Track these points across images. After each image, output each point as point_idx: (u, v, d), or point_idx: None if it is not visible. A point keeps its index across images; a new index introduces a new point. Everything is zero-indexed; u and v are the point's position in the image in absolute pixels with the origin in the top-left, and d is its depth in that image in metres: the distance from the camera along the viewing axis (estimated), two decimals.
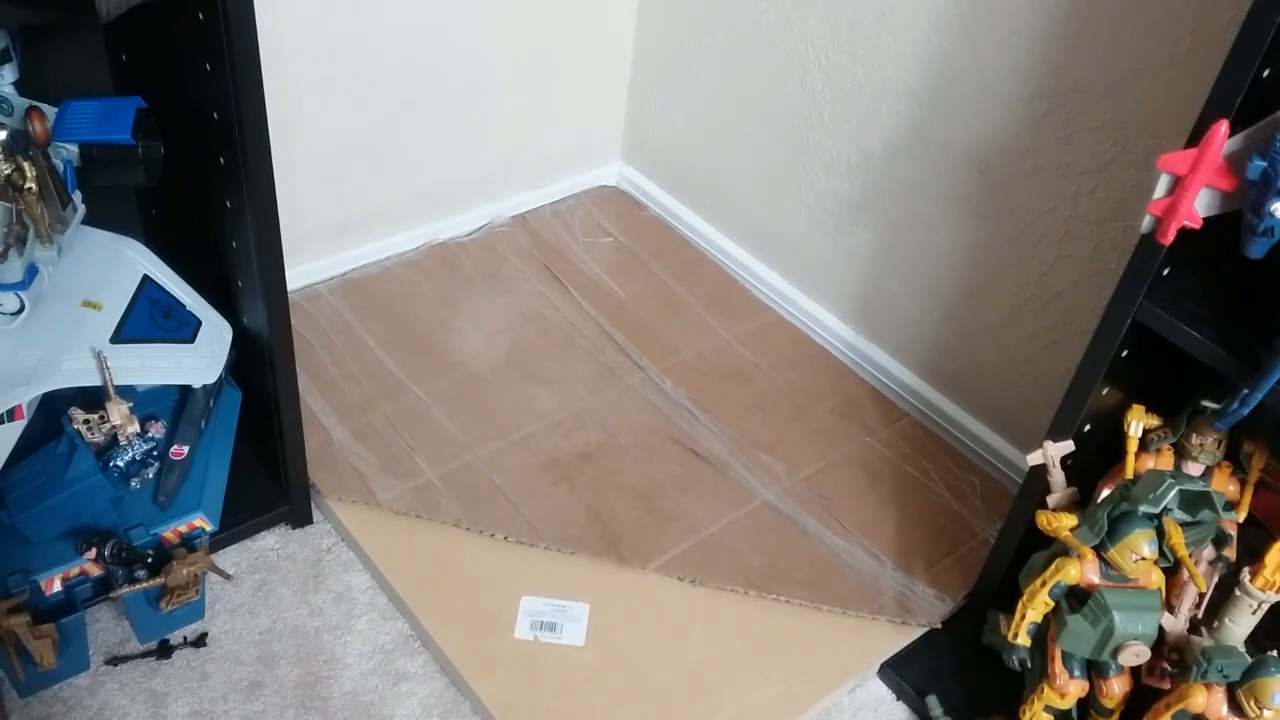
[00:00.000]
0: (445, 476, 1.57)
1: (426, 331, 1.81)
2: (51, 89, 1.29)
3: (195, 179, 1.30)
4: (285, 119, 1.64)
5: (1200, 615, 1.24)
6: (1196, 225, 1.03)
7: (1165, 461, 1.26)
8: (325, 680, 1.36)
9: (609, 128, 2.16)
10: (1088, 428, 1.25)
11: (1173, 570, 1.21)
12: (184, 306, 1.39)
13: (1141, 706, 1.22)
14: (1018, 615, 1.23)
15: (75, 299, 1.30)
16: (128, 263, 1.38)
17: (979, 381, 1.73)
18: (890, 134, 1.68)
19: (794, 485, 1.64)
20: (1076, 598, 1.20)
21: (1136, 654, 1.18)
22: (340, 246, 1.89)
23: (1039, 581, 1.21)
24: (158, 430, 1.40)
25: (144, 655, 1.36)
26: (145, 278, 1.38)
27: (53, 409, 1.32)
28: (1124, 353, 1.17)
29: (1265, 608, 1.17)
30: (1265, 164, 0.96)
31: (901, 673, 1.43)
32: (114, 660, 1.34)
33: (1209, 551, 1.24)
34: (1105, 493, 1.27)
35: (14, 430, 1.22)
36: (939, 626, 1.48)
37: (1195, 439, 1.25)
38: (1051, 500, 1.29)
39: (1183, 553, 1.14)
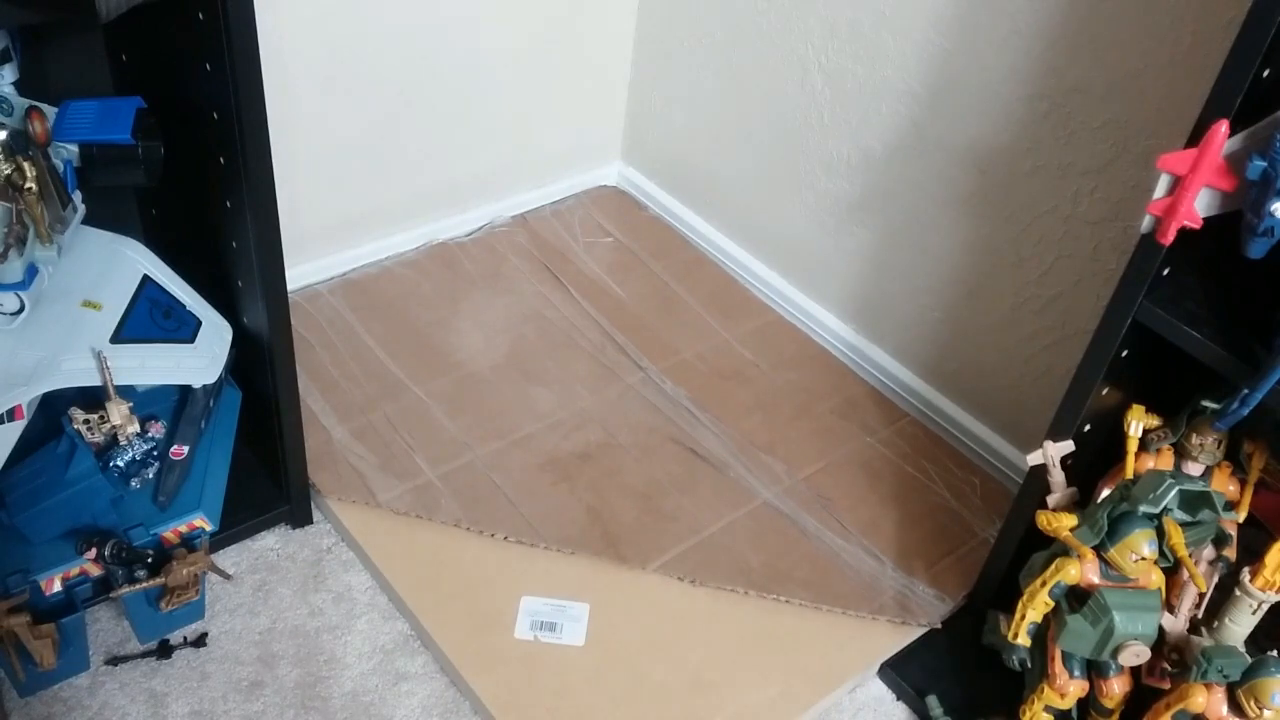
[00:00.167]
0: (445, 476, 1.57)
1: (426, 331, 1.81)
2: (51, 89, 1.29)
3: (195, 179, 1.30)
4: (285, 119, 1.65)
5: (1200, 615, 1.24)
6: (1196, 225, 1.03)
7: (1165, 461, 1.26)
8: (325, 680, 1.36)
9: (609, 128, 2.16)
10: (1088, 428, 1.25)
11: (1173, 570, 1.21)
12: (184, 306, 1.39)
13: (1141, 706, 1.22)
14: (1018, 615, 1.23)
15: (75, 299, 1.30)
16: (128, 263, 1.38)
17: (979, 381, 1.73)
18: (890, 134, 1.68)
19: (794, 485, 1.64)
20: (1076, 598, 1.20)
21: (1136, 654, 1.18)
22: (340, 246, 1.89)
23: (1039, 581, 1.21)
24: (158, 430, 1.40)
25: (144, 655, 1.36)
26: (145, 278, 1.38)
27: (53, 409, 1.32)
28: (1124, 353, 1.17)
29: (1265, 608, 1.17)
30: (1265, 164, 0.96)
31: (901, 673, 1.43)
32: (114, 660, 1.34)
33: (1209, 551, 1.24)
34: (1105, 493, 1.27)
35: (14, 430, 1.22)
36: (939, 626, 1.48)
37: (1195, 439, 1.25)
38: (1051, 500, 1.29)
39: (1183, 553, 1.14)
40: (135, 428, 1.35)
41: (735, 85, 1.90)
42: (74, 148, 1.24)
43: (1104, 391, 1.22)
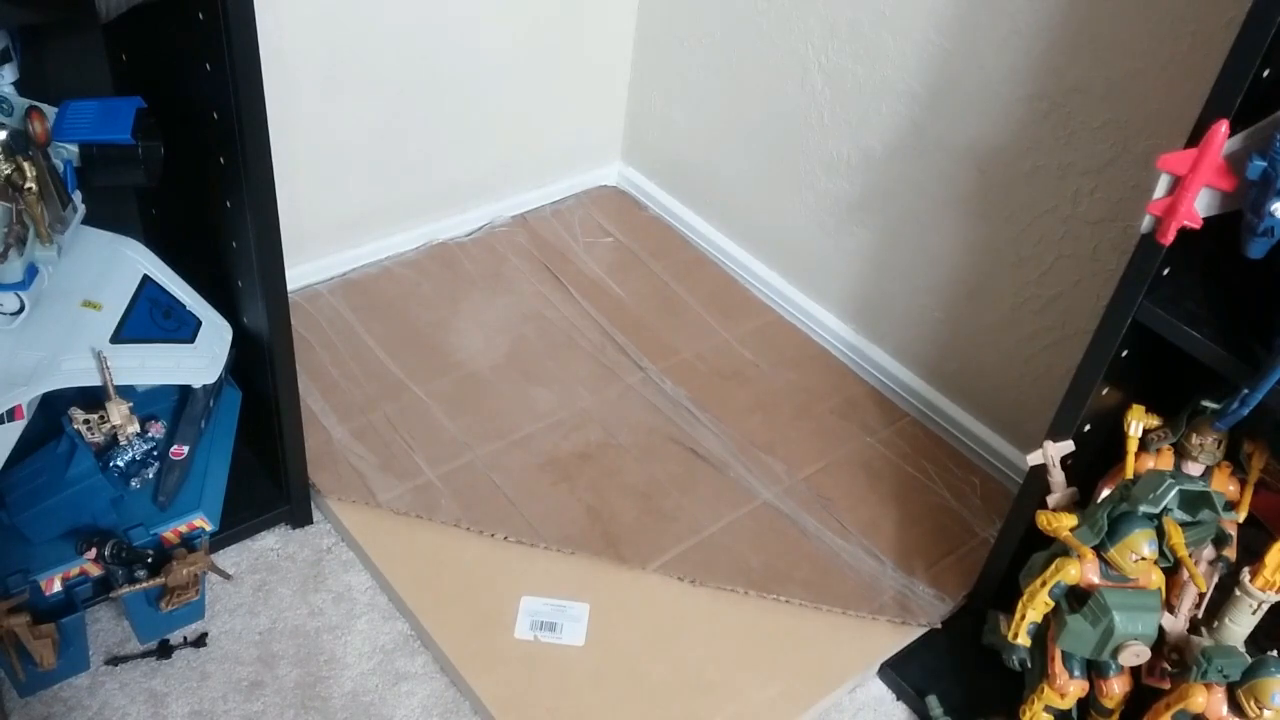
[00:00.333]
0: (445, 476, 1.57)
1: (426, 331, 1.81)
2: (51, 89, 1.29)
3: (195, 179, 1.30)
4: (285, 119, 1.65)
5: (1200, 615, 1.24)
6: (1196, 225, 1.03)
7: (1165, 461, 1.26)
8: (325, 680, 1.36)
9: (609, 128, 2.16)
10: (1088, 428, 1.25)
11: (1173, 570, 1.21)
12: (184, 306, 1.39)
13: (1141, 706, 1.22)
14: (1018, 615, 1.23)
15: (75, 299, 1.30)
16: (128, 263, 1.38)
17: (979, 381, 1.73)
18: (890, 134, 1.68)
19: (794, 485, 1.64)
20: (1076, 598, 1.20)
21: (1136, 654, 1.18)
22: (340, 246, 1.89)
23: (1039, 581, 1.21)
24: (158, 430, 1.40)
25: (144, 655, 1.36)
26: (145, 278, 1.38)
27: (53, 409, 1.32)
28: (1124, 353, 1.17)
29: (1265, 608, 1.17)
30: (1265, 164, 0.96)
31: (901, 673, 1.43)
32: (114, 660, 1.34)
33: (1209, 551, 1.23)
34: (1105, 493, 1.27)
35: (14, 430, 1.22)
36: (939, 626, 1.48)
37: (1195, 439, 1.25)
38: (1051, 500, 1.29)
39: (1183, 553, 1.14)
40: (135, 428, 1.35)
41: (735, 85, 1.90)
42: (74, 148, 1.24)
43: (1104, 391, 1.22)
